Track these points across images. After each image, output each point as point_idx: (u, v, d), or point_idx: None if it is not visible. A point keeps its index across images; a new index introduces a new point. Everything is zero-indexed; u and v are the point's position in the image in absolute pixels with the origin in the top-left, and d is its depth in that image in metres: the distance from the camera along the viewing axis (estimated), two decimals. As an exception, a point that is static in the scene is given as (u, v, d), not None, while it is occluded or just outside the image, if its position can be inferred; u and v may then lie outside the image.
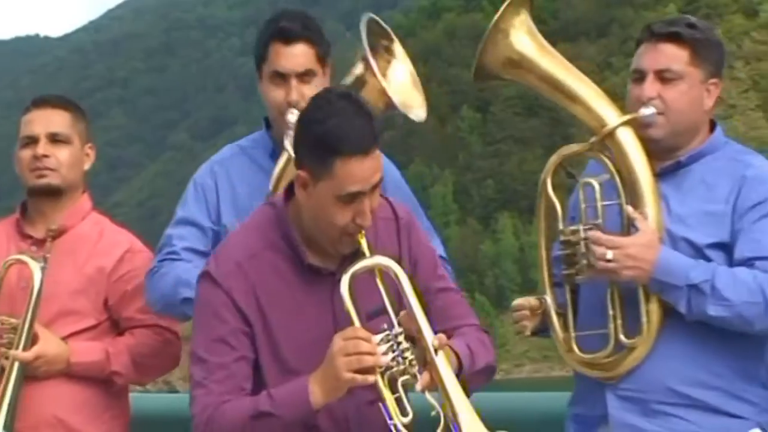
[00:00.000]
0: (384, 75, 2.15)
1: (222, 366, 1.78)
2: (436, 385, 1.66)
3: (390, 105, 2.13)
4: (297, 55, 2.27)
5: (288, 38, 2.27)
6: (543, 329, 2.19)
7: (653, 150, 2.08)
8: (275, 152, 2.31)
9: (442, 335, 1.70)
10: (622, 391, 2.05)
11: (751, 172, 2.08)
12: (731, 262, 2.02)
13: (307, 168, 1.74)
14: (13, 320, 2.41)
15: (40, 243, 2.50)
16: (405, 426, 1.65)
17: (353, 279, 1.70)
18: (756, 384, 2.06)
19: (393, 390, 1.67)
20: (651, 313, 2.01)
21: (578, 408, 2.19)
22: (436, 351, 1.66)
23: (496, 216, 67.63)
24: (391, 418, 1.65)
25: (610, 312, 2.03)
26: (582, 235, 2.04)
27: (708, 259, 2.03)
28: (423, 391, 1.67)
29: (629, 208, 2.03)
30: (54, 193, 2.52)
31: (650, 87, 2.05)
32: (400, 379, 1.68)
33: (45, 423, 2.45)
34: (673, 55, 2.06)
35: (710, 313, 1.96)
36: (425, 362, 1.67)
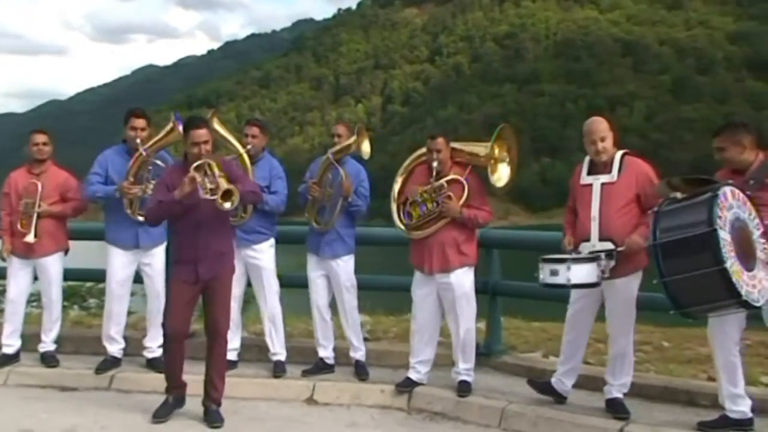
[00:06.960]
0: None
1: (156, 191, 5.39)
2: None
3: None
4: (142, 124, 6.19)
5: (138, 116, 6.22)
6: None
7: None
8: (129, 153, 6.23)
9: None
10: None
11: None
12: None
13: (185, 142, 5.21)
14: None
15: None
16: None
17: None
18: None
19: (206, 176, 5.03)
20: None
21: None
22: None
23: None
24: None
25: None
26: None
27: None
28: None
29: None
30: None
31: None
32: (206, 181, 5.02)
33: None
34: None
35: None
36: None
